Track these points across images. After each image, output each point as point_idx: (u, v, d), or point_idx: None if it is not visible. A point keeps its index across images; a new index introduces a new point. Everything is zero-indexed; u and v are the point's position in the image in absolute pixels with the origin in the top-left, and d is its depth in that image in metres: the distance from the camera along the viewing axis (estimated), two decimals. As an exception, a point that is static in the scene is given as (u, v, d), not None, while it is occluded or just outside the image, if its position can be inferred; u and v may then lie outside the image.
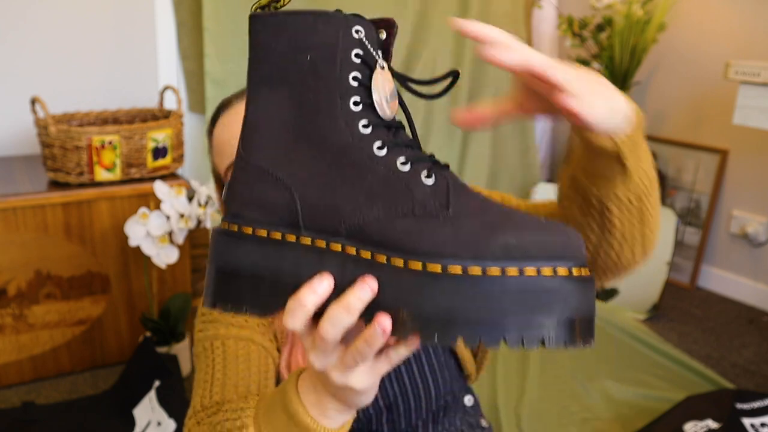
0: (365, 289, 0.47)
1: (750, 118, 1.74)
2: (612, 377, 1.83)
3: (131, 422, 1.59)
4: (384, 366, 0.51)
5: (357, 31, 0.53)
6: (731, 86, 2.25)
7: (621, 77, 2.52)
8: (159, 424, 1.55)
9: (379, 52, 0.54)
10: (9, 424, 1.58)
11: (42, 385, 1.79)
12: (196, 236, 1.91)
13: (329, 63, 0.52)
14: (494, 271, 0.45)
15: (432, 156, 0.53)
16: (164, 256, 1.68)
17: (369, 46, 0.53)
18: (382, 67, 0.53)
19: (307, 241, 0.51)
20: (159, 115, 2.00)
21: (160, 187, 1.66)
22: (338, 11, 0.53)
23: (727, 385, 1.82)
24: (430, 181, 0.50)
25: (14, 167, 1.97)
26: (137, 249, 1.74)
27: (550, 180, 2.92)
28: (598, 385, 1.80)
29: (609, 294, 2.37)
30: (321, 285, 0.48)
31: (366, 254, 0.49)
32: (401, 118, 0.54)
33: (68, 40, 2.19)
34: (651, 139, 2.71)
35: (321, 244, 0.51)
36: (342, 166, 0.52)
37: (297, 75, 0.53)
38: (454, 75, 0.54)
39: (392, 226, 0.49)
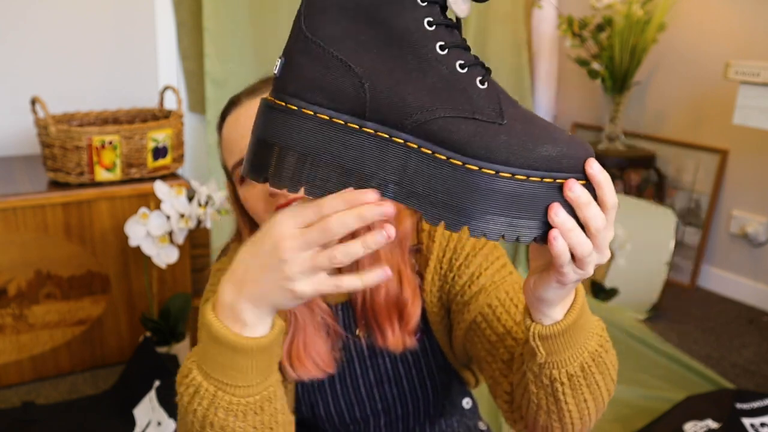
0: (382, 235, 0.53)
1: (750, 118, 1.74)
2: (612, 377, 1.83)
3: (131, 422, 1.59)
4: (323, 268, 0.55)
5: None
6: (731, 86, 2.25)
7: (621, 77, 2.52)
8: (159, 424, 1.55)
9: None
10: (9, 424, 1.58)
11: (42, 385, 1.79)
12: (196, 236, 1.91)
13: None
14: (535, 179, 0.51)
15: (479, 60, 0.56)
16: (164, 256, 1.68)
17: None
18: None
19: (370, 130, 0.53)
20: (159, 115, 2.00)
21: (160, 187, 1.66)
22: None
23: (727, 385, 1.82)
24: (483, 87, 0.54)
25: (14, 167, 1.97)
26: (137, 249, 1.74)
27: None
28: (598, 385, 1.80)
29: (609, 294, 2.37)
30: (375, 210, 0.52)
31: (427, 151, 0.52)
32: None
33: (68, 40, 2.19)
34: (651, 139, 2.71)
35: (383, 135, 0.53)
36: (407, 60, 0.53)
37: None
38: None
39: (456, 127, 0.52)
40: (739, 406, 1.63)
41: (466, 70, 0.54)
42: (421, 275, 0.85)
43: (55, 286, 1.76)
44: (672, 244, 2.35)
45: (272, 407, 0.64)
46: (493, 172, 0.51)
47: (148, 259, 1.72)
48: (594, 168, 0.52)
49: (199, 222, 1.71)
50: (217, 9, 2.21)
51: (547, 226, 0.52)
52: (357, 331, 0.86)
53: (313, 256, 0.55)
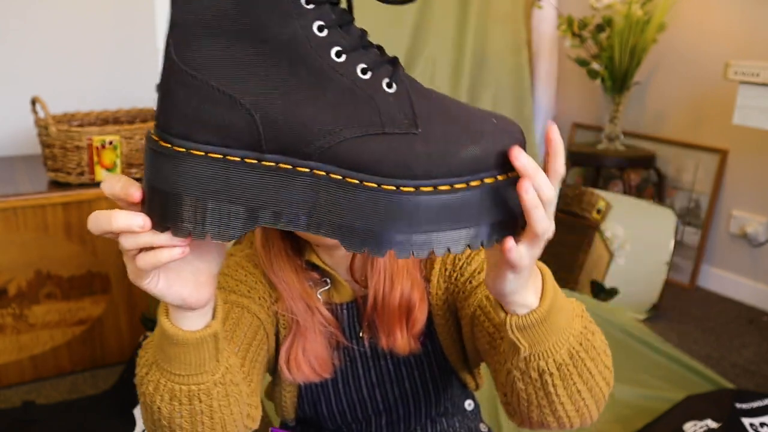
0: (171, 253, 0.50)
1: (750, 118, 1.74)
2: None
3: (131, 422, 1.59)
4: (141, 265, 0.51)
5: None
6: (731, 86, 2.25)
7: (621, 77, 2.52)
8: (159, 423, 1.55)
9: None
10: (9, 424, 1.58)
11: (42, 385, 1.79)
12: (196, 236, 1.91)
13: None
14: (461, 186, 0.47)
15: (382, 51, 0.50)
16: (164, 256, 1.68)
17: None
18: None
19: (270, 163, 0.47)
20: (159, 115, 2.00)
21: (160, 187, 1.67)
22: None
23: (727, 385, 1.82)
24: (392, 90, 0.48)
25: (15, 167, 1.97)
26: (137, 249, 1.74)
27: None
28: (598, 385, 1.80)
29: (609, 294, 2.37)
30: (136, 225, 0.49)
31: (337, 176, 0.47)
32: None
33: (68, 40, 2.19)
34: (651, 139, 2.71)
35: (286, 166, 0.47)
36: (300, 76, 0.46)
37: None
38: None
39: (366, 147, 0.46)
40: (738, 406, 1.63)
41: (369, 75, 0.47)
42: (427, 279, 0.85)
43: (56, 286, 1.76)
44: (672, 244, 2.35)
45: (202, 405, 0.63)
46: (413, 189, 0.46)
47: (148, 259, 1.72)
48: (520, 160, 0.48)
49: (200, 222, 1.71)
50: (217, 9, 2.21)
51: (492, 227, 0.49)
52: (360, 333, 0.87)
53: (127, 259, 0.53)
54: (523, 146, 0.50)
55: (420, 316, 0.83)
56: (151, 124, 1.82)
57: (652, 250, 2.36)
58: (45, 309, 1.76)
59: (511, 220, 0.50)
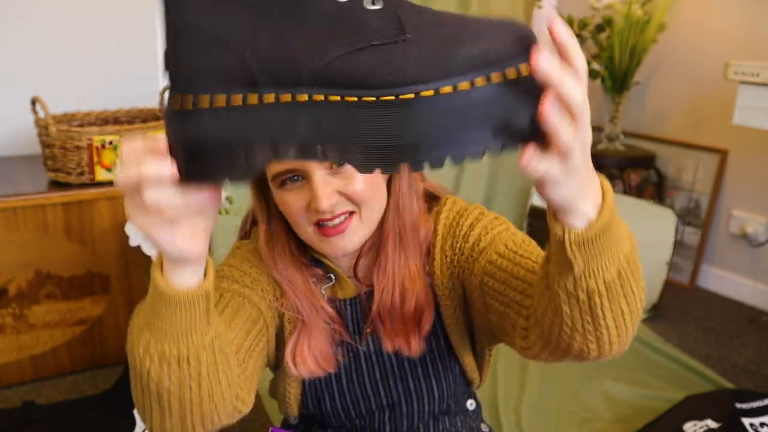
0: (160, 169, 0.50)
1: (750, 118, 1.74)
2: (612, 377, 1.83)
3: (131, 422, 1.59)
4: (159, 215, 0.52)
5: None
6: (731, 86, 2.25)
7: (621, 77, 2.52)
8: (159, 423, 1.55)
9: None
10: (9, 424, 1.58)
11: (42, 385, 1.79)
12: (196, 236, 1.91)
13: None
14: (465, 85, 0.44)
15: None
16: (164, 256, 1.68)
17: None
18: None
19: (270, 98, 0.48)
20: (159, 116, 2.00)
21: (160, 187, 1.66)
22: None
23: (727, 385, 1.82)
24: (376, 7, 0.47)
25: (14, 167, 1.97)
26: (137, 249, 1.74)
27: (550, 180, 2.93)
28: (598, 385, 1.80)
29: (609, 294, 2.37)
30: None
31: (335, 98, 0.46)
32: None
33: (68, 40, 2.19)
34: (651, 139, 2.71)
35: (286, 98, 0.47)
36: (282, 8, 0.47)
37: None
38: None
39: (355, 61, 0.46)
40: (738, 405, 1.64)
41: None
42: (431, 273, 0.86)
43: (56, 286, 1.76)
44: (672, 244, 2.35)
45: (191, 369, 0.63)
46: (413, 96, 0.45)
47: (148, 259, 1.72)
48: (540, 65, 0.44)
49: (200, 222, 1.71)
50: (217, 9, 2.21)
51: (498, 132, 0.46)
52: (365, 329, 0.87)
53: (130, 198, 0.53)
54: (532, 40, 0.46)
55: (429, 318, 0.84)
56: (151, 125, 1.82)
57: (652, 250, 2.35)
58: (45, 309, 1.76)
59: (531, 125, 0.47)
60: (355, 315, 0.88)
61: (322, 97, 0.47)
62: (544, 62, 0.43)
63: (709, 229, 2.55)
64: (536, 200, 2.68)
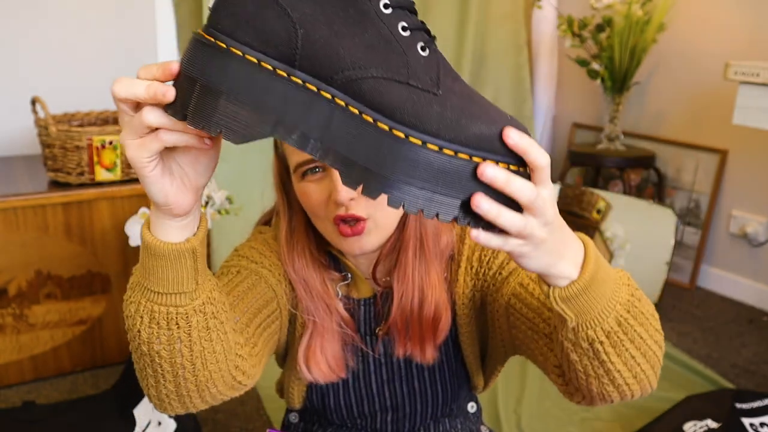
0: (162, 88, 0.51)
1: (750, 118, 1.74)
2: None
3: (131, 422, 1.59)
4: (153, 144, 0.52)
5: None
6: (731, 86, 2.25)
7: (621, 77, 2.52)
8: (159, 423, 1.55)
9: None
10: (9, 424, 1.58)
11: (42, 385, 1.79)
12: (196, 236, 1.91)
13: None
14: (464, 156, 0.49)
15: (424, 25, 0.54)
16: (164, 256, 1.68)
17: None
18: None
19: (298, 79, 0.50)
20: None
21: (160, 187, 1.66)
22: None
23: (727, 385, 1.82)
24: (424, 54, 0.52)
25: (15, 167, 1.97)
26: (137, 249, 1.74)
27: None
28: (598, 384, 1.80)
29: (609, 294, 2.37)
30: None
31: (354, 110, 0.49)
32: None
33: (68, 40, 2.19)
34: (651, 139, 2.71)
35: (312, 87, 0.50)
36: (348, 12, 0.50)
37: None
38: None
39: (388, 89, 0.49)
40: (738, 405, 1.63)
41: (408, 33, 0.51)
42: (454, 279, 0.86)
43: (56, 286, 1.76)
44: (672, 244, 2.35)
45: (180, 331, 0.62)
46: (420, 143, 0.48)
47: (148, 259, 1.72)
48: (512, 137, 0.49)
49: (200, 222, 1.71)
50: (217, 9, 2.21)
51: (469, 207, 0.49)
52: (377, 330, 0.87)
53: (128, 120, 0.53)
54: (516, 145, 0.51)
55: (446, 325, 0.84)
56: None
57: (652, 250, 2.36)
58: (45, 309, 1.76)
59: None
60: (368, 315, 0.88)
61: (343, 103, 0.49)
62: (490, 171, 0.48)
63: (709, 229, 2.56)
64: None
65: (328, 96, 0.50)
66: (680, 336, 2.18)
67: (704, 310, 2.40)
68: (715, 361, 2.02)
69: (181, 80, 0.51)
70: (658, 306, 2.33)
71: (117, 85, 0.51)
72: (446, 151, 0.49)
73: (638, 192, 2.73)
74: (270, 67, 0.50)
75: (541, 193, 0.50)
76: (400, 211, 0.81)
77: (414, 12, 0.53)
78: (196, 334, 0.62)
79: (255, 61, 0.50)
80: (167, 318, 0.61)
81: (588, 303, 0.58)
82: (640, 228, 2.38)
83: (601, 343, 0.60)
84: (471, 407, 0.97)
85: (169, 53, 2.35)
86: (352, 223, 0.76)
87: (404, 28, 0.51)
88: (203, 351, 0.63)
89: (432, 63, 0.51)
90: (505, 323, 0.80)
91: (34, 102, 1.75)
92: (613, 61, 2.49)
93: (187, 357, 0.63)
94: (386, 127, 0.49)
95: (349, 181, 0.49)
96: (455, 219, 0.50)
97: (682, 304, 2.42)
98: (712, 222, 2.55)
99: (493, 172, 0.48)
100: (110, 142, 1.74)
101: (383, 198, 0.49)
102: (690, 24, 2.52)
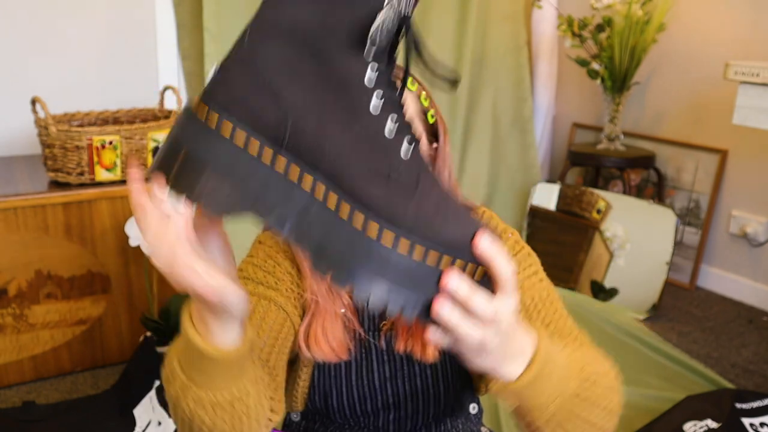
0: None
1: (749, 118, 1.74)
2: (612, 377, 1.83)
3: (132, 422, 1.59)
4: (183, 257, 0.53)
5: None
6: (731, 86, 2.25)
7: (620, 77, 2.52)
8: (159, 423, 1.55)
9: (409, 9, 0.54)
10: (9, 424, 1.58)
11: (42, 385, 1.79)
12: (196, 236, 1.91)
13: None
14: (433, 255, 0.50)
15: (411, 127, 0.55)
16: (164, 256, 1.68)
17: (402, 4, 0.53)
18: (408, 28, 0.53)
19: (282, 163, 0.52)
20: (159, 116, 2.00)
21: (160, 187, 1.66)
22: None
23: (727, 385, 1.82)
24: (408, 153, 0.53)
25: (15, 167, 1.97)
26: (137, 249, 1.74)
27: (550, 180, 2.93)
28: (598, 384, 1.80)
29: (609, 294, 2.37)
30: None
31: (333, 198, 0.51)
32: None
33: (68, 40, 2.19)
34: (651, 139, 2.71)
35: (295, 171, 0.52)
36: (338, 106, 0.52)
37: None
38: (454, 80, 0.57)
39: (368, 184, 0.52)
40: (738, 405, 1.64)
41: (395, 131, 0.53)
42: None
43: (56, 286, 1.77)
44: (672, 244, 2.35)
45: (242, 406, 0.64)
46: (391, 243, 0.50)
47: (148, 259, 1.72)
48: (481, 245, 0.51)
49: (200, 222, 1.71)
50: (217, 10, 2.22)
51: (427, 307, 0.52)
52: (382, 326, 0.87)
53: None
54: (484, 255, 0.53)
55: None
56: (150, 124, 1.82)
57: (652, 250, 2.36)
58: (45, 309, 1.76)
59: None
60: (373, 312, 0.88)
61: (321, 197, 0.52)
62: (453, 283, 0.50)
63: (709, 229, 2.56)
64: (536, 200, 2.68)
65: (309, 186, 0.52)
66: (680, 336, 2.18)
67: (704, 310, 2.40)
68: (715, 361, 2.02)
69: (171, 147, 0.53)
70: (658, 306, 2.34)
71: (145, 240, 0.54)
72: (417, 248, 0.50)
73: (638, 192, 2.73)
74: (257, 148, 0.52)
75: (500, 309, 0.52)
76: None
77: (402, 109, 0.55)
78: (238, 415, 0.64)
79: (242, 144, 0.51)
80: (212, 403, 0.62)
81: (532, 395, 0.60)
82: (640, 228, 2.38)
83: (538, 428, 0.63)
84: (473, 408, 0.97)
85: (169, 53, 2.35)
86: None
87: (391, 126, 0.53)
88: (242, 421, 0.65)
89: (413, 164, 0.53)
90: None
91: (34, 102, 1.75)
92: (613, 61, 2.49)
93: (228, 424, 0.64)
94: (360, 224, 0.51)
95: (319, 268, 0.51)
96: (418, 316, 0.51)
97: (682, 304, 2.42)
98: (712, 222, 2.55)
99: (455, 284, 0.50)
100: (110, 142, 1.74)
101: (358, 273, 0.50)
102: (690, 24, 2.52)
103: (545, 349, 0.61)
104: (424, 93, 0.86)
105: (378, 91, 0.53)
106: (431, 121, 0.86)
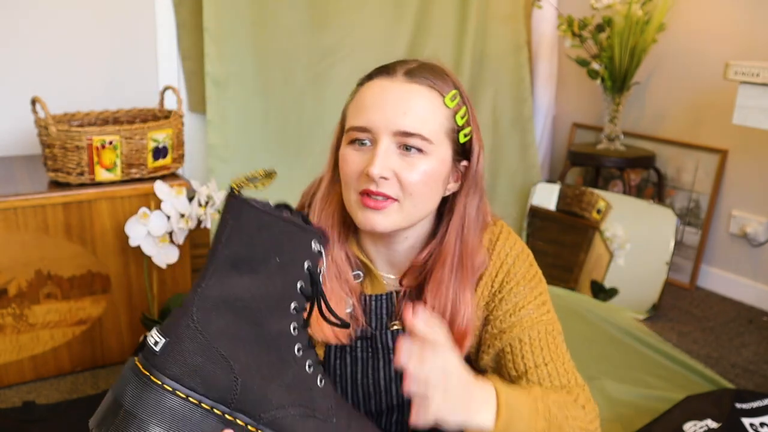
0: None
1: (749, 118, 1.74)
2: (612, 377, 1.83)
3: (131, 422, 1.59)
4: None
5: (315, 243, 0.66)
6: (731, 86, 2.25)
7: (621, 77, 2.52)
8: (159, 423, 1.55)
9: (324, 259, 0.68)
10: (9, 424, 1.58)
11: (42, 385, 1.79)
12: (196, 236, 1.91)
13: (292, 267, 0.64)
14: None
15: (319, 359, 0.69)
16: (164, 256, 1.68)
17: (320, 257, 0.67)
18: (321, 275, 0.68)
19: (230, 418, 0.61)
20: (159, 116, 2.00)
21: (160, 187, 1.67)
22: (306, 221, 0.66)
23: (727, 385, 1.82)
24: (321, 384, 0.67)
25: (15, 167, 1.97)
26: (137, 249, 1.74)
27: (550, 180, 2.93)
28: (598, 385, 1.80)
29: (609, 294, 2.37)
30: None
31: None
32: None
33: (69, 40, 2.19)
34: (651, 139, 2.71)
35: (241, 424, 0.62)
36: (273, 359, 0.63)
37: (264, 268, 0.63)
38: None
39: (301, 425, 0.64)
40: (738, 405, 1.63)
41: (311, 369, 0.66)
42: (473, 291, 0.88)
43: (56, 285, 1.77)
44: (672, 244, 2.35)
45: None
46: None
47: (148, 259, 1.72)
48: (409, 321, 0.65)
49: (199, 222, 1.71)
50: (217, 9, 2.22)
51: None
52: (390, 324, 0.87)
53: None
54: None
55: (469, 342, 0.87)
56: (150, 124, 1.81)
57: (652, 250, 2.36)
58: (45, 309, 1.76)
59: None
60: (380, 310, 0.88)
61: None
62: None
63: (709, 229, 2.56)
64: (536, 200, 2.68)
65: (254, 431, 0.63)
66: (680, 336, 2.18)
67: (704, 310, 2.40)
68: (715, 361, 2.02)
69: (113, 405, 0.62)
70: (658, 306, 2.34)
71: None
72: None
73: (638, 192, 2.73)
74: (208, 407, 0.60)
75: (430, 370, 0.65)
76: (429, 208, 0.84)
77: (313, 347, 0.69)
78: None
79: (196, 402, 0.60)
80: None
81: None
82: (640, 228, 2.38)
83: None
84: None
85: (169, 53, 2.35)
86: (378, 198, 0.79)
87: (309, 366, 0.66)
88: None
89: (328, 391, 0.68)
90: (491, 360, 0.86)
91: (34, 102, 1.75)
92: (613, 61, 2.49)
93: None
94: None
95: None
96: None
97: (682, 304, 2.42)
98: (712, 222, 2.55)
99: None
100: (110, 142, 1.74)
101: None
102: (690, 24, 2.52)
103: (504, 395, 0.69)
104: (461, 111, 0.85)
105: (300, 339, 0.65)
106: (462, 140, 0.85)
